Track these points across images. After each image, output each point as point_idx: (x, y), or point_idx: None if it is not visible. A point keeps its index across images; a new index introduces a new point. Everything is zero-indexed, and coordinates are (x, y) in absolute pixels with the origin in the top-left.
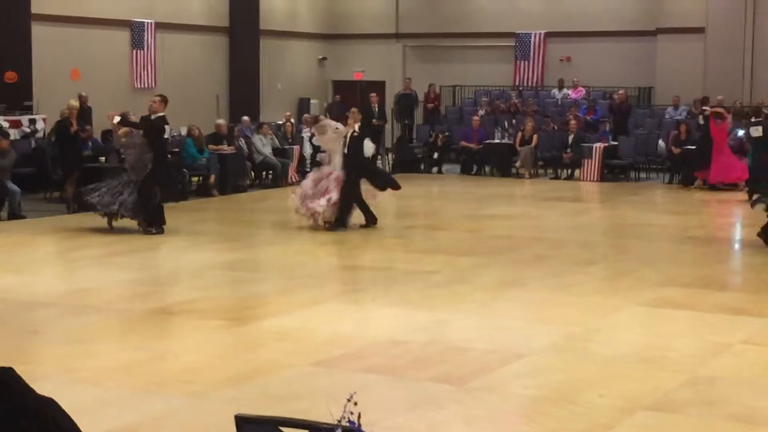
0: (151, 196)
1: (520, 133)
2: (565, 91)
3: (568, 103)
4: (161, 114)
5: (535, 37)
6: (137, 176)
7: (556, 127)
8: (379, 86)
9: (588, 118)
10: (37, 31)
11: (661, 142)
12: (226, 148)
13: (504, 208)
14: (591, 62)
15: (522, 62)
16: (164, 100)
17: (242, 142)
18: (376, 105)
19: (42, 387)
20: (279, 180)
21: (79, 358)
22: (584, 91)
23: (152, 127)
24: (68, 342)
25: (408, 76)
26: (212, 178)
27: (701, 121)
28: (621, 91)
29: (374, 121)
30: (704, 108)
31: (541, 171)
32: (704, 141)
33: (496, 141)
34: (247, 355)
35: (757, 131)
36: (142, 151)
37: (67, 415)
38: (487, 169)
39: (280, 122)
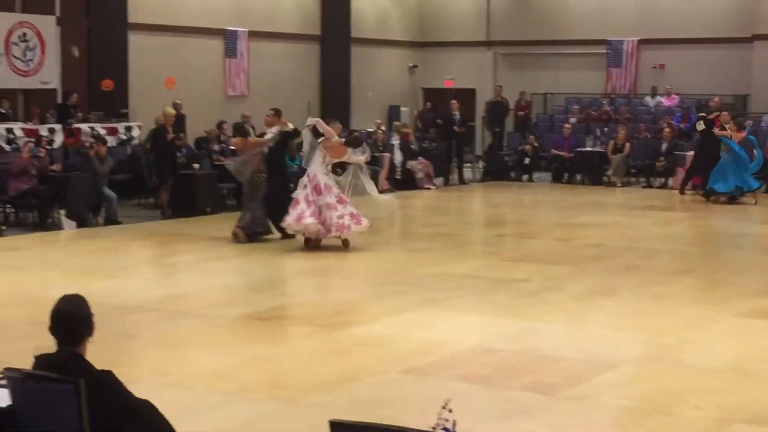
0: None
1: (612, 141)
2: (658, 98)
3: (661, 110)
4: (291, 128)
5: (627, 44)
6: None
7: (649, 135)
8: (469, 94)
9: (682, 125)
10: (134, 40)
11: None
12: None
13: (595, 217)
14: (685, 69)
15: (614, 69)
16: (278, 113)
17: None
18: (458, 112)
19: (137, 390)
20: None
21: (173, 362)
22: (678, 99)
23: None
24: (162, 346)
25: (499, 83)
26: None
27: (699, 128)
28: (716, 99)
29: (455, 127)
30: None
31: (633, 179)
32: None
33: (588, 149)
34: (337, 361)
35: (701, 125)
36: (255, 169)
37: (164, 416)
38: (578, 177)
39: (371, 130)
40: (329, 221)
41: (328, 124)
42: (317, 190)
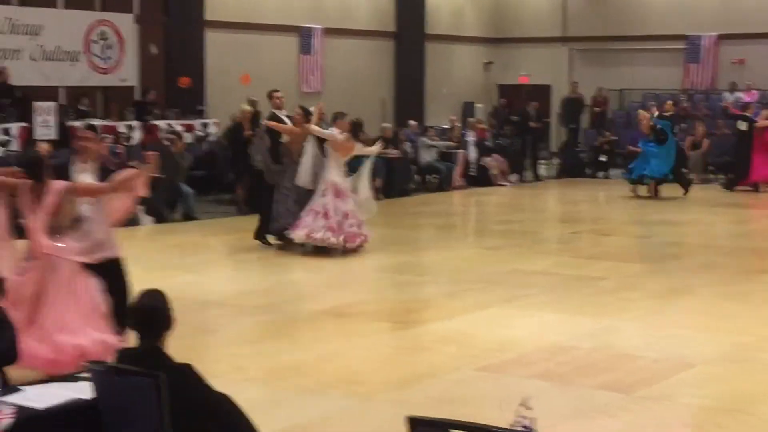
0: None
1: (690, 138)
2: (737, 94)
3: (740, 106)
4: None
5: (706, 39)
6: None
7: (728, 132)
8: (544, 90)
9: None
10: (211, 37)
11: None
12: (391, 153)
13: (673, 214)
14: (765, 64)
15: (692, 65)
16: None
17: (408, 146)
18: (535, 110)
19: (215, 384)
20: (444, 184)
21: (250, 357)
22: (758, 95)
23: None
24: (239, 341)
25: (575, 79)
26: (378, 181)
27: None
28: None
29: (531, 123)
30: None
31: (711, 176)
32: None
33: None
34: (412, 358)
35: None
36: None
37: (241, 410)
38: None
39: (446, 126)
40: (344, 228)
41: (335, 121)
42: (339, 194)
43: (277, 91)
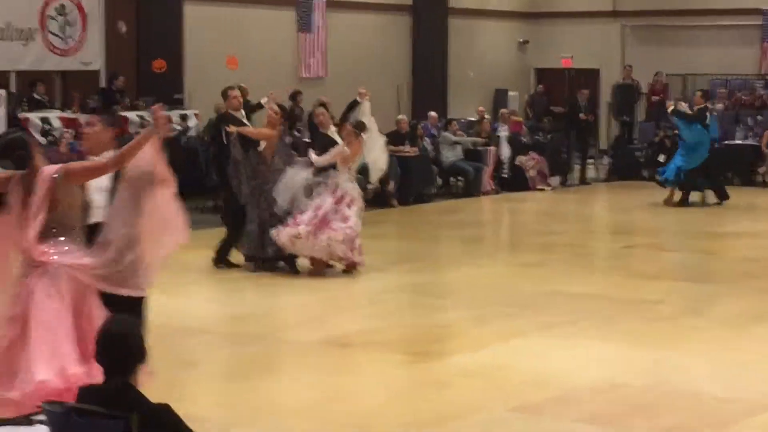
0: None
1: (766, 133)
2: None
3: None
4: None
5: None
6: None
7: None
8: (591, 75)
9: None
10: (190, 12)
11: None
12: (408, 150)
13: (746, 224)
14: None
15: None
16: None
17: (427, 143)
18: (585, 100)
19: (199, 429)
20: (471, 188)
21: (241, 395)
22: None
23: None
24: (228, 376)
25: (628, 62)
26: (391, 185)
27: None
28: None
29: (581, 115)
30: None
31: None
32: None
33: (737, 142)
34: (433, 395)
35: None
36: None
37: None
38: (728, 175)
39: (473, 119)
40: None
41: (340, 129)
42: (340, 200)
43: (233, 88)
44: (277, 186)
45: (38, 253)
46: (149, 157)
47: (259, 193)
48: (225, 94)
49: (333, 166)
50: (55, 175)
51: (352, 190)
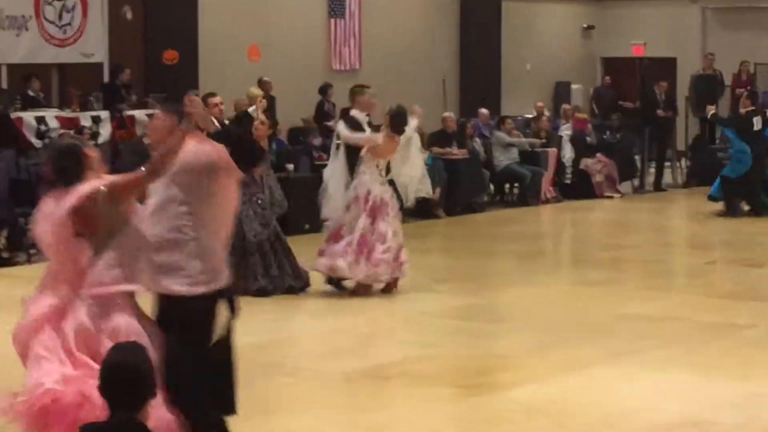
0: None
1: None
2: None
3: None
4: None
5: None
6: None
7: None
8: (667, 65)
9: None
10: None
11: None
12: (455, 152)
13: None
14: None
15: None
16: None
17: (478, 144)
18: (664, 93)
19: None
20: (528, 196)
21: None
22: None
23: None
24: (251, 412)
25: (709, 50)
26: (436, 192)
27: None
28: None
29: (659, 111)
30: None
31: None
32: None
33: None
34: None
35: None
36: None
37: None
38: None
39: (530, 116)
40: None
41: (353, 99)
42: (374, 212)
43: (214, 95)
44: (326, 202)
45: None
46: (206, 149)
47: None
48: (205, 101)
49: (357, 158)
50: (91, 193)
51: (384, 193)
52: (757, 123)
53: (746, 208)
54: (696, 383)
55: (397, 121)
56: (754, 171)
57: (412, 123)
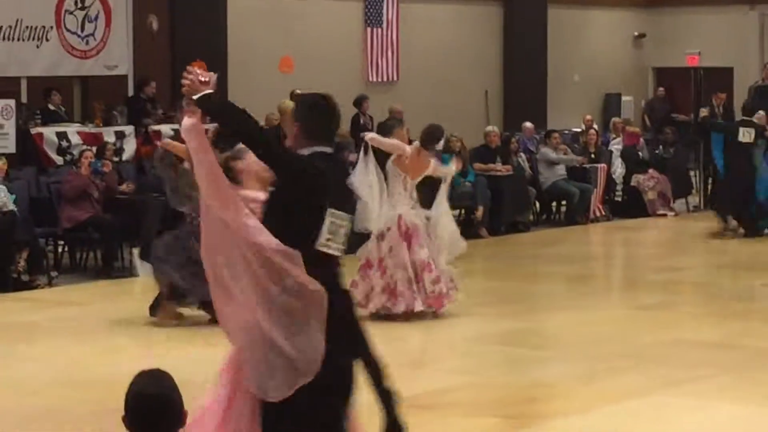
0: None
1: None
2: None
3: None
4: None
5: None
6: None
7: None
8: (724, 76)
9: None
10: (235, 4)
11: None
12: (499, 168)
13: None
14: None
15: None
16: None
17: (523, 159)
18: (722, 105)
19: None
20: (576, 214)
21: None
22: None
23: None
24: None
25: None
26: (480, 211)
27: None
28: None
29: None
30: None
31: None
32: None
33: None
34: None
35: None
36: None
37: None
38: None
39: (577, 129)
40: (423, 286)
41: (390, 132)
42: (409, 239)
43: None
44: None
45: None
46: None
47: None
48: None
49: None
50: None
51: (415, 217)
52: (744, 135)
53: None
54: (756, 414)
55: (427, 137)
56: (735, 185)
57: (452, 166)
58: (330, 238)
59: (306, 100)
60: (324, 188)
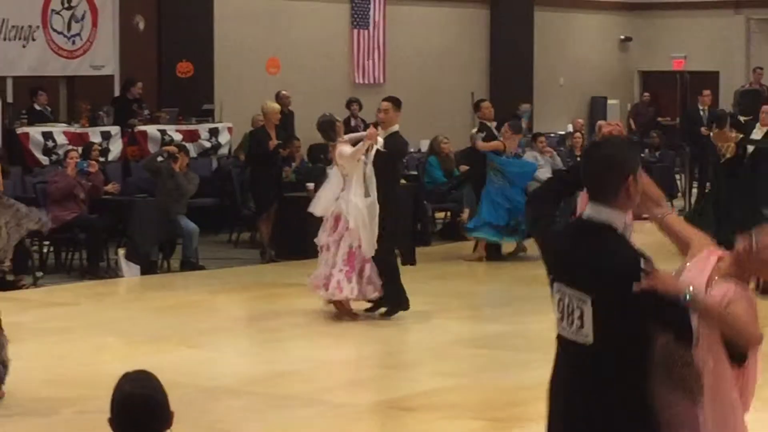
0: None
1: None
2: None
3: None
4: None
5: None
6: None
7: None
8: (709, 79)
9: None
10: (221, 4)
11: None
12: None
13: None
14: None
15: None
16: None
17: None
18: (706, 107)
19: None
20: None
21: None
22: None
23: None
24: None
25: (756, 64)
26: (466, 213)
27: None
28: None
29: (703, 129)
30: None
31: None
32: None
33: None
34: None
35: None
36: None
37: None
38: None
39: (563, 132)
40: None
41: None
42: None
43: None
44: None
45: None
46: None
47: None
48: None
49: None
50: None
51: (337, 208)
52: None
53: None
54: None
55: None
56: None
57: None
58: None
59: None
60: None
